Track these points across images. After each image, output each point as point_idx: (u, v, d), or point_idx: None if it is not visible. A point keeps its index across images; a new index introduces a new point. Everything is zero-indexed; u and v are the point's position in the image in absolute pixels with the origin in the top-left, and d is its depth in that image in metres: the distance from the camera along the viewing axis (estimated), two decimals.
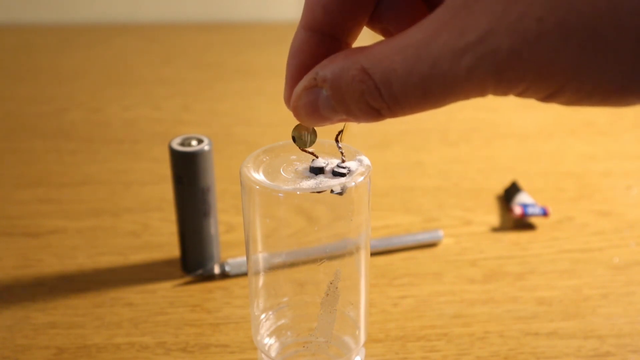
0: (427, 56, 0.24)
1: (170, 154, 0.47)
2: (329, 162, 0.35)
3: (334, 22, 0.28)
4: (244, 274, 0.50)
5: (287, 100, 0.29)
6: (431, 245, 0.54)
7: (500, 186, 0.62)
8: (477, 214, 0.58)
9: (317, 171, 0.35)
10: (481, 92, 0.24)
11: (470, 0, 0.23)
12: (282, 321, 0.40)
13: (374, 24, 0.30)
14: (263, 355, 0.40)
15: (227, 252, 0.52)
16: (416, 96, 0.24)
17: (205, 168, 0.48)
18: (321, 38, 0.28)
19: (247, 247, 0.38)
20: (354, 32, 0.29)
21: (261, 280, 0.39)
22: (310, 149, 0.35)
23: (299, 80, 0.28)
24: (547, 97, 0.25)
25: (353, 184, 0.34)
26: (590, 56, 0.23)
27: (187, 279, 0.50)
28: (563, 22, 0.22)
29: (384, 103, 0.25)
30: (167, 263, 0.52)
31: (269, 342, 0.40)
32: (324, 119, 0.28)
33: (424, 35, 0.24)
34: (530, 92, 0.24)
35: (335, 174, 0.35)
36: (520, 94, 0.24)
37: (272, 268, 0.39)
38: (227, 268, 0.50)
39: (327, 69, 0.26)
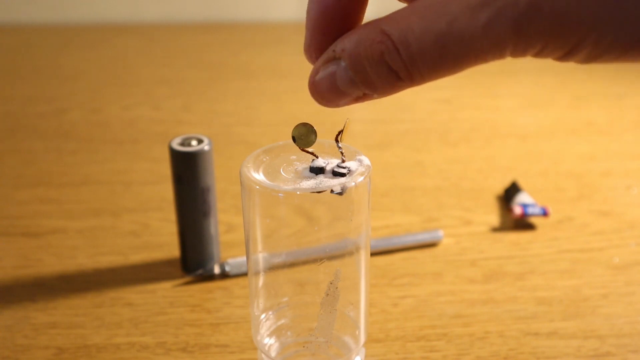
0: (445, 13, 0.23)
1: (170, 154, 0.47)
2: (329, 162, 0.35)
3: None
4: (244, 274, 0.50)
5: (307, 50, 0.28)
6: (431, 245, 0.54)
7: (500, 186, 0.62)
8: (477, 214, 0.58)
9: (317, 171, 0.35)
10: (500, 50, 0.24)
11: None
12: (282, 321, 0.40)
13: None
14: (263, 355, 0.40)
15: (227, 252, 0.52)
16: (433, 56, 0.24)
17: (205, 168, 0.48)
18: None
19: (247, 247, 0.38)
20: None
21: (261, 280, 0.39)
22: (310, 149, 0.35)
23: (319, 29, 0.27)
24: (565, 55, 0.24)
25: (353, 184, 0.34)
26: (610, 6, 0.23)
27: (187, 279, 0.50)
28: None
29: (402, 63, 0.25)
30: (167, 263, 0.52)
31: (269, 342, 0.40)
32: (342, 94, 0.27)
33: None
34: (549, 49, 0.24)
35: (335, 174, 0.35)
36: (539, 52, 0.24)
37: (272, 268, 0.39)
38: (227, 268, 0.50)
39: (345, 40, 0.26)
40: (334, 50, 0.26)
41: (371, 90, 0.26)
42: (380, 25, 0.25)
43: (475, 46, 0.24)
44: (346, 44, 0.26)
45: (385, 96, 0.27)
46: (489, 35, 0.23)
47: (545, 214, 0.56)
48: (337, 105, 0.28)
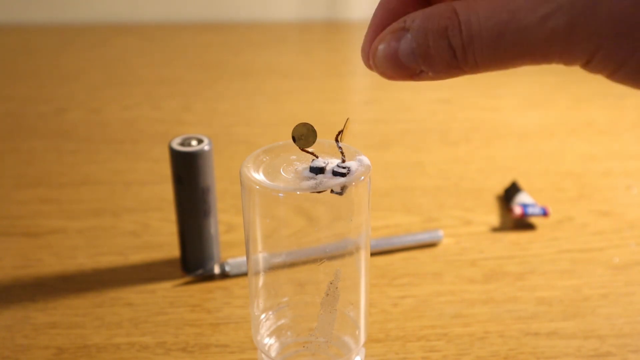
0: (508, 3, 0.24)
1: (170, 154, 0.47)
2: (329, 162, 0.35)
3: None
4: (244, 274, 0.50)
5: (366, 49, 0.29)
6: (431, 245, 0.54)
7: (500, 186, 0.62)
8: (477, 214, 0.58)
9: (317, 171, 0.35)
10: (550, 47, 0.24)
11: None
12: (282, 321, 0.40)
13: None
14: (263, 355, 0.40)
15: (227, 252, 0.52)
16: (490, 42, 0.25)
17: (205, 168, 0.48)
18: None
19: (247, 247, 0.38)
20: None
21: (261, 280, 0.39)
22: (310, 149, 0.35)
23: (381, 28, 0.28)
24: (617, 69, 0.24)
25: (353, 184, 0.34)
26: None
27: (187, 279, 0.50)
28: None
29: (461, 42, 0.25)
30: (167, 263, 0.52)
31: (269, 342, 0.40)
32: (400, 66, 0.27)
33: None
34: (600, 58, 0.24)
35: (335, 174, 0.35)
36: (589, 61, 0.24)
37: (272, 268, 0.39)
38: (227, 268, 0.50)
39: (417, 13, 0.27)
40: (404, 21, 0.27)
41: (428, 65, 0.27)
42: (453, 5, 0.26)
43: (529, 39, 0.24)
44: (417, 16, 0.27)
45: (441, 78, 0.27)
46: (544, 28, 0.24)
47: (545, 214, 0.56)
48: (393, 78, 0.28)
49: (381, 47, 0.28)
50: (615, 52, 0.23)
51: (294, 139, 0.35)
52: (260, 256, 0.38)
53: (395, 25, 0.27)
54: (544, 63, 0.25)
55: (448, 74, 0.27)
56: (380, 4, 0.29)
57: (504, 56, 0.25)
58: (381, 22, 0.29)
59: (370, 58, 0.29)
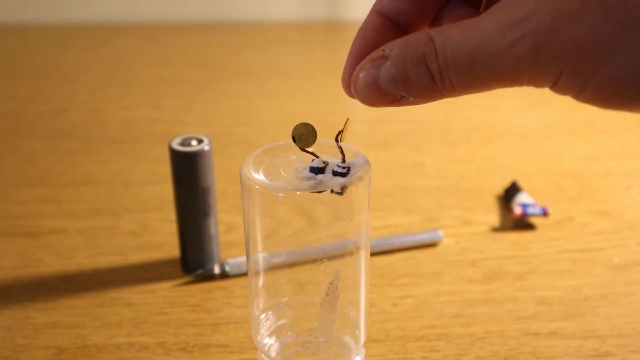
0: (479, 30, 0.25)
1: (170, 154, 0.47)
2: (329, 162, 0.35)
3: (401, 10, 0.30)
4: (244, 274, 0.50)
5: (346, 78, 0.30)
6: (431, 245, 0.54)
7: (500, 186, 0.62)
8: (477, 214, 0.58)
9: (317, 171, 0.35)
10: (519, 71, 0.25)
11: None
12: (282, 321, 0.40)
13: (438, 24, 0.32)
14: (263, 355, 0.40)
15: (227, 252, 0.52)
16: (464, 67, 0.26)
17: (205, 168, 0.48)
18: (388, 23, 0.30)
19: (247, 247, 0.38)
20: (419, 27, 0.31)
21: (261, 280, 0.39)
22: (310, 149, 0.35)
23: (360, 58, 0.29)
24: (582, 90, 0.25)
25: (353, 184, 0.34)
26: (627, 37, 0.23)
27: (187, 279, 0.50)
28: (604, 1, 0.23)
29: (438, 67, 0.26)
30: (167, 263, 0.52)
31: (269, 342, 0.40)
32: (381, 92, 0.28)
33: (482, 15, 0.26)
34: (565, 79, 0.25)
35: (335, 174, 0.35)
36: (556, 81, 0.25)
37: (272, 268, 0.39)
38: (227, 268, 0.50)
39: (395, 41, 0.28)
40: (383, 50, 0.28)
41: (408, 91, 0.28)
42: (429, 32, 0.27)
43: (499, 64, 0.25)
44: (396, 44, 0.28)
45: (420, 103, 0.28)
46: (511, 54, 0.25)
47: (545, 214, 0.56)
48: (374, 105, 0.29)
49: (362, 75, 0.29)
50: (577, 75, 0.25)
51: (294, 139, 0.35)
52: (260, 256, 0.38)
53: (374, 54, 0.28)
54: (515, 85, 0.26)
55: (428, 98, 0.28)
56: (358, 35, 0.31)
57: (478, 80, 0.26)
58: (360, 51, 0.30)
59: (351, 86, 0.30)
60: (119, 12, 1.14)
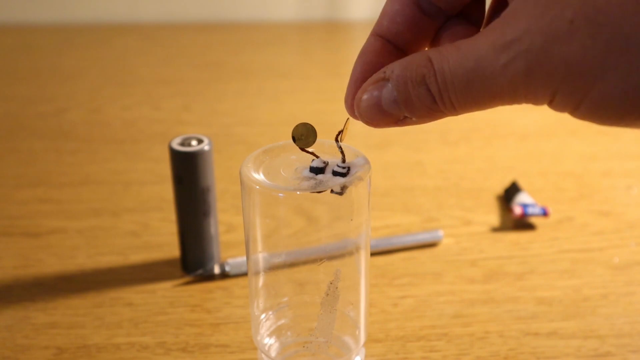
0: (474, 52, 0.26)
1: (170, 154, 0.47)
2: (329, 162, 0.35)
3: (400, 32, 0.31)
4: (244, 274, 0.50)
5: (349, 101, 0.31)
6: (431, 245, 0.54)
7: (500, 186, 0.62)
8: (477, 214, 0.58)
9: (317, 171, 0.35)
10: (514, 90, 0.26)
11: (517, 6, 0.25)
12: (282, 321, 0.40)
13: (438, 43, 0.32)
14: (263, 355, 0.40)
15: (227, 252, 0.52)
16: (461, 87, 0.26)
17: (205, 168, 0.48)
18: (388, 46, 0.31)
19: (247, 247, 0.38)
20: (418, 47, 0.32)
21: (261, 280, 0.39)
22: (310, 149, 0.35)
23: (362, 81, 0.30)
24: (577, 107, 0.25)
25: (353, 184, 0.34)
26: (616, 56, 0.24)
27: (187, 279, 0.50)
28: (592, 20, 0.23)
29: (437, 88, 0.27)
30: (167, 263, 0.52)
31: (269, 342, 0.40)
32: (384, 114, 0.29)
33: (477, 35, 0.26)
34: (560, 97, 0.25)
35: (335, 174, 0.35)
36: (552, 100, 0.26)
37: (272, 268, 0.39)
38: (227, 268, 0.50)
39: (395, 63, 0.28)
40: (384, 72, 0.28)
41: (410, 111, 0.28)
42: (427, 53, 0.27)
43: (495, 84, 0.26)
44: (396, 66, 0.28)
45: (423, 122, 0.29)
46: (506, 74, 0.25)
47: (545, 214, 0.56)
48: (378, 126, 0.30)
49: (365, 97, 0.29)
50: (570, 94, 0.25)
51: (294, 139, 0.35)
52: (260, 256, 0.38)
53: (376, 76, 0.29)
54: (514, 103, 0.27)
55: (431, 117, 0.28)
56: (359, 58, 0.31)
57: (477, 100, 0.27)
58: (361, 74, 0.31)
59: (354, 109, 0.30)
60: (119, 12, 1.15)
